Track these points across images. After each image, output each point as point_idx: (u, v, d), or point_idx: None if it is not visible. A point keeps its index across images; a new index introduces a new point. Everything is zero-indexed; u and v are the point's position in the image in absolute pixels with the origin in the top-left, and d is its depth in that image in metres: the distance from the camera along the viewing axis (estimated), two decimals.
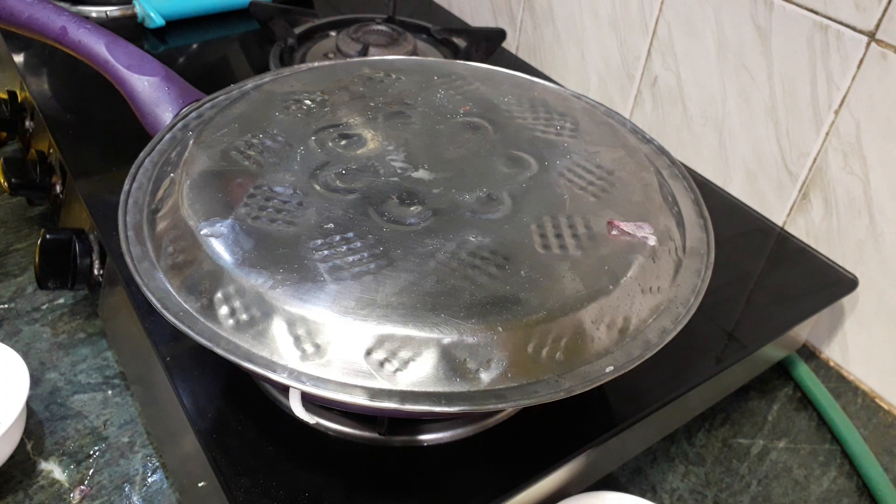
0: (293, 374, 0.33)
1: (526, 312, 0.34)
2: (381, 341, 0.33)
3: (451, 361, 0.33)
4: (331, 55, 0.77)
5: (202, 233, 0.37)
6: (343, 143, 0.44)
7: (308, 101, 0.47)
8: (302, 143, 0.44)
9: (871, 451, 0.54)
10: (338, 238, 0.37)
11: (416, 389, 0.33)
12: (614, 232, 0.39)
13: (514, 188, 0.42)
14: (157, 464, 0.50)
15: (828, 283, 0.58)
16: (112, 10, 0.81)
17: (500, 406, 0.33)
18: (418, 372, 0.33)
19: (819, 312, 0.57)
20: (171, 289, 0.37)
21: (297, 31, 0.79)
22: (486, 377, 0.33)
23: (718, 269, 0.58)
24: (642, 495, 0.48)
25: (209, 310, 0.35)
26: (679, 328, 0.37)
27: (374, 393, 0.33)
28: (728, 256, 0.60)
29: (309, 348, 0.34)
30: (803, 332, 0.60)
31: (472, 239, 0.38)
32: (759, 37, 0.61)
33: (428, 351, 0.33)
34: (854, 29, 0.55)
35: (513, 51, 0.88)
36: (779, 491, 0.52)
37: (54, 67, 0.73)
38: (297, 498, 0.39)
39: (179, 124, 0.48)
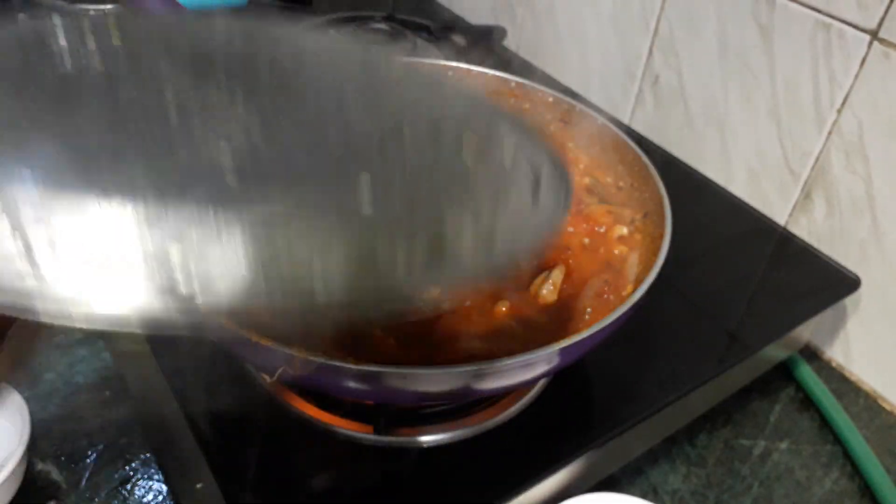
0: None
1: None
2: None
3: None
4: None
5: None
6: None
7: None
8: None
9: (874, 452, 0.54)
10: None
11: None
12: None
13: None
14: (155, 465, 0.50)
15: (830, 284, 0.58)
16: (111, 10, 0.81)
17: None
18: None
19: (821, 313, 0.56)
20: None
21: None
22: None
23: (720, 269, 0.58)
24: (643, 497, 0.48)
25: None
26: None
27: None
28: (730, 256, 0.60)
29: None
30: (805, 332, 0.60)
31: None
32: (760, 35, 0.61)
33: None
34: (856, 27, 0.54)
35: (513, 49, 0.87)
36: (781, 492, 0.52)
37: None
38: (296, 498, 0.39)
39: None
